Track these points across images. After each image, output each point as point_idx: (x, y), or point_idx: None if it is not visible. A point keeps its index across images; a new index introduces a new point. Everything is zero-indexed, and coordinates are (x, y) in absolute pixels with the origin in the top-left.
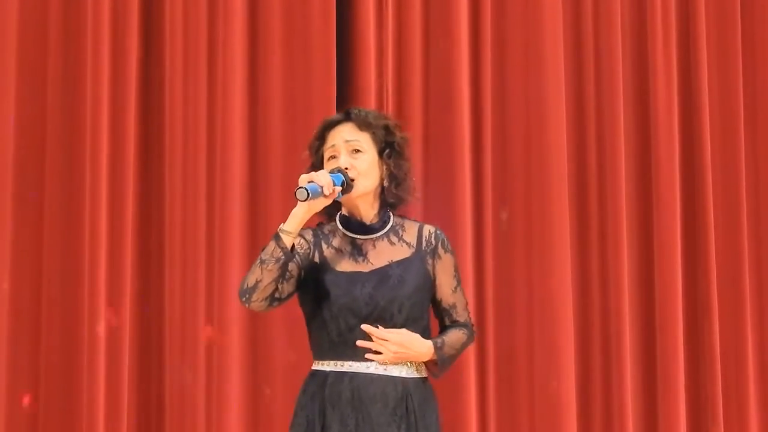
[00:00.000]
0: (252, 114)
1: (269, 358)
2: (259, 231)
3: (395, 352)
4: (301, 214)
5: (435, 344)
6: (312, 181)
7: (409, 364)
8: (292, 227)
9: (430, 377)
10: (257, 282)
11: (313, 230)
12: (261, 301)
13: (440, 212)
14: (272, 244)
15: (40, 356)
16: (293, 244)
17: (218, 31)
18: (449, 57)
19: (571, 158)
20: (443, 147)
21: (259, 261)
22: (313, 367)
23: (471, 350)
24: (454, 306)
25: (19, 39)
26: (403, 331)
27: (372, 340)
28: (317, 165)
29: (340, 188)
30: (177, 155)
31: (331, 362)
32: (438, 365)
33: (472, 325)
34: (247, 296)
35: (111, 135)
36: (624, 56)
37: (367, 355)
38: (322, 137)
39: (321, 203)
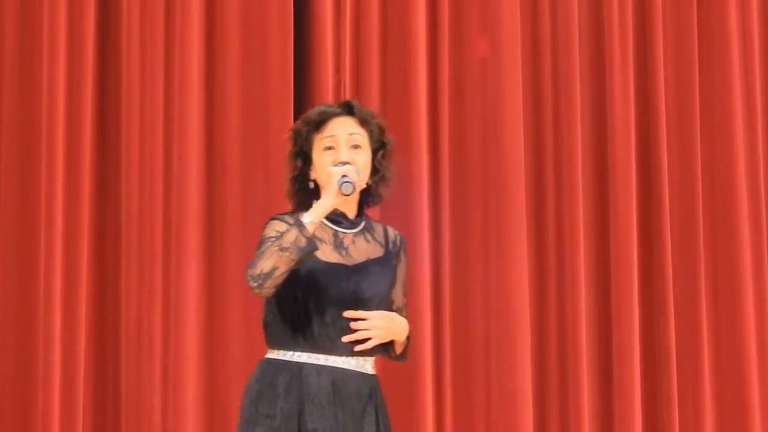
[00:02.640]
0: (209, 109)
1: (227, 352)
2: (216, 227)
3: (384, 328)
4: (329, 206)
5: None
6: (345, 176)
7: (371, 362)
8: (317, 218)
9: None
10: (273, 269)
11: (293, 217)
12: (272, 288)
13: (397, 212)
14: (294, 233)
15: None
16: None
17: (175, 27)
18: (407, 53)
19: (527, 159)
20: (400, 144)
21: (278, 248)
22: (275, 357)
23: (427, 352)
24: (400, 308)
25: None
26: (380, 311)
27: (351, 332)
28: (305, 151)
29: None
30: (133, 151)
31: (305, 354)
32: (409, 343)
33: None
34: (260, 282)
35: (67, 132)
36: (581, 57)
37: (356, 348)
38: (317, 125)
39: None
